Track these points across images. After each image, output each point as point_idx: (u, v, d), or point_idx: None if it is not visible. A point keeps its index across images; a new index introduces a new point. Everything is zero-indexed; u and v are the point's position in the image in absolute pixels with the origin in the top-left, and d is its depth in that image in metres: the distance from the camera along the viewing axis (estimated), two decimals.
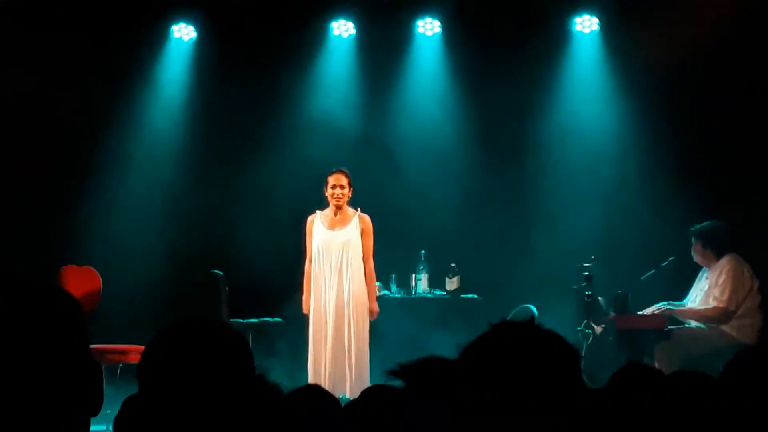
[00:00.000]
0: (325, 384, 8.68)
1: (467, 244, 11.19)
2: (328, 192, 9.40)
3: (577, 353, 2.20)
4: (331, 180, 9.40)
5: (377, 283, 9.80)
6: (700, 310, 9.28)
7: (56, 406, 2.07)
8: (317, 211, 9.53)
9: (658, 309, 9.37)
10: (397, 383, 2.41)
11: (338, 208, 9.41)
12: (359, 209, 9.49)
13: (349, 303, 9.27)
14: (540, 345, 2.16)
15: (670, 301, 9.49)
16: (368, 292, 9.41)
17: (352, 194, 9.45)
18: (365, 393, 3.33)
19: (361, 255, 9.39)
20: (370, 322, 9.37)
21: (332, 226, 9.43)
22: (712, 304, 9.18)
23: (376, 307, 9.43)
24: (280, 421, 2.46)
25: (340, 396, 8.32)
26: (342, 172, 9.41)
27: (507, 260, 11.00)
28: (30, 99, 10.84)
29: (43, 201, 11.08)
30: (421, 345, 8.65)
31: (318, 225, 9.47)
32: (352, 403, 3.39)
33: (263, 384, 2.53)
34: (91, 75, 11.09)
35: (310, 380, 8.81)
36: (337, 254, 9.35)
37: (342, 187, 9.37)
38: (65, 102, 11.01)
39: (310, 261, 9.47)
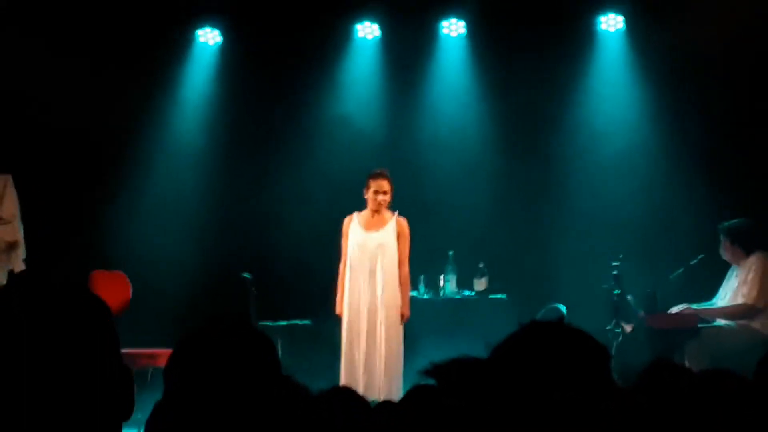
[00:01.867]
0: (359, 386, 8.61)
1: (495, 244, 11.15)
2: (369, 195, 9.22)
3: (606, 352, 2.20)
4: (374, 185, 9.20)
5: None
6: (726, 308, 9.23)
7: (88, 411, 2.07)
8: (355, 213, 9.39)
9: (680, 310, 9.34)
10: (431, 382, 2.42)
11: (377, 211, 9.29)
12: (397, 212, 9.33)
13: (381, 306, 9.12)
14: (569, 344, 2.16)
15: (692, 304, 9.44)
16: (402, 296, 9.21)
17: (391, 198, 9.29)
18: (409, 393, 3.31)
19: (396, 258, 9.23)
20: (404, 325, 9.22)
21: (368, 228, 9.26)
22: (740, 301, 9.14)
23: (407, 312, 9.22)
24: (307, 422, 2.47)
25: (371, 400, 8.27)
26: (385, 177, 9.21)
27: (535, 260, 10.99)
28: (55, 104, 10.88)
29: (71, 205, 11.12)
30: (451, 346, 8.61)
31: (354, 226, 9.31)
32: (387, 403, 3.39)
33: (291, 385, 2.53)
34: (116, 80, 11.12)
35: (342, 382, 8.74)
36: (371, 256, 9.19)
37: (385, 192, 9.18)
38: (91, 107, 11.05)
39: (345, 263, 9.33)
